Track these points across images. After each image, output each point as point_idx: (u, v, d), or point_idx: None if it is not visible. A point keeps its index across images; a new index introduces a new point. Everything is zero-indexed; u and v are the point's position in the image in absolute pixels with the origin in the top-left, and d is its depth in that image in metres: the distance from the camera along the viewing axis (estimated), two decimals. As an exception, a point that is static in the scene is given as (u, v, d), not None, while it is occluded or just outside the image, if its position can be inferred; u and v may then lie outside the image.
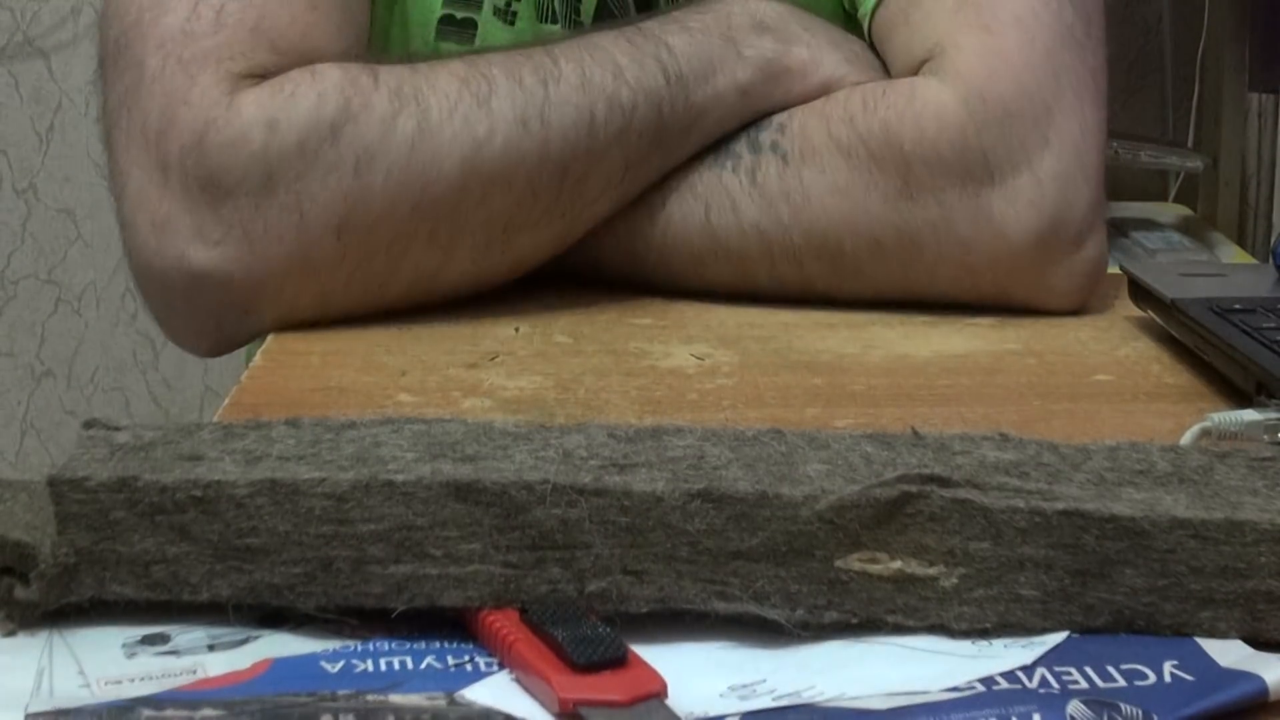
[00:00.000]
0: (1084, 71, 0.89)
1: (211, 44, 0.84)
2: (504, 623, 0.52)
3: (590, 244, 0.91)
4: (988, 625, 0.54)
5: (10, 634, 0.53)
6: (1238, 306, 0.80)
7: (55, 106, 2.10)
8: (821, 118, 0.89)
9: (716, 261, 0.91)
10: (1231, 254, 1.79)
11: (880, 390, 0.79)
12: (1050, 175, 0.87)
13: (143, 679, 0.51)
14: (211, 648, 0.53)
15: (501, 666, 0.52)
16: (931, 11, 0.90)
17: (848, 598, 0.54)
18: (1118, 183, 1.82)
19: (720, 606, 0.53)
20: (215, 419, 0.66)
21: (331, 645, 0.53)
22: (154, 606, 0.54)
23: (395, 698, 0.49)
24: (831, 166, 0.88)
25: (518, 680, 0.51)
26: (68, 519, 0.53)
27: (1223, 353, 0.77)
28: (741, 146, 0.91)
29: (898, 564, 0.54)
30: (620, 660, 0.50)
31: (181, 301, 0.85)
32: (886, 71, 0.93)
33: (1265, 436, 0.67)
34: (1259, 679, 0.50)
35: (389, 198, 0.83)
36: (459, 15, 0.99)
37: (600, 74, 0.87)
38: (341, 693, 0.49)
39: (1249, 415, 0.68)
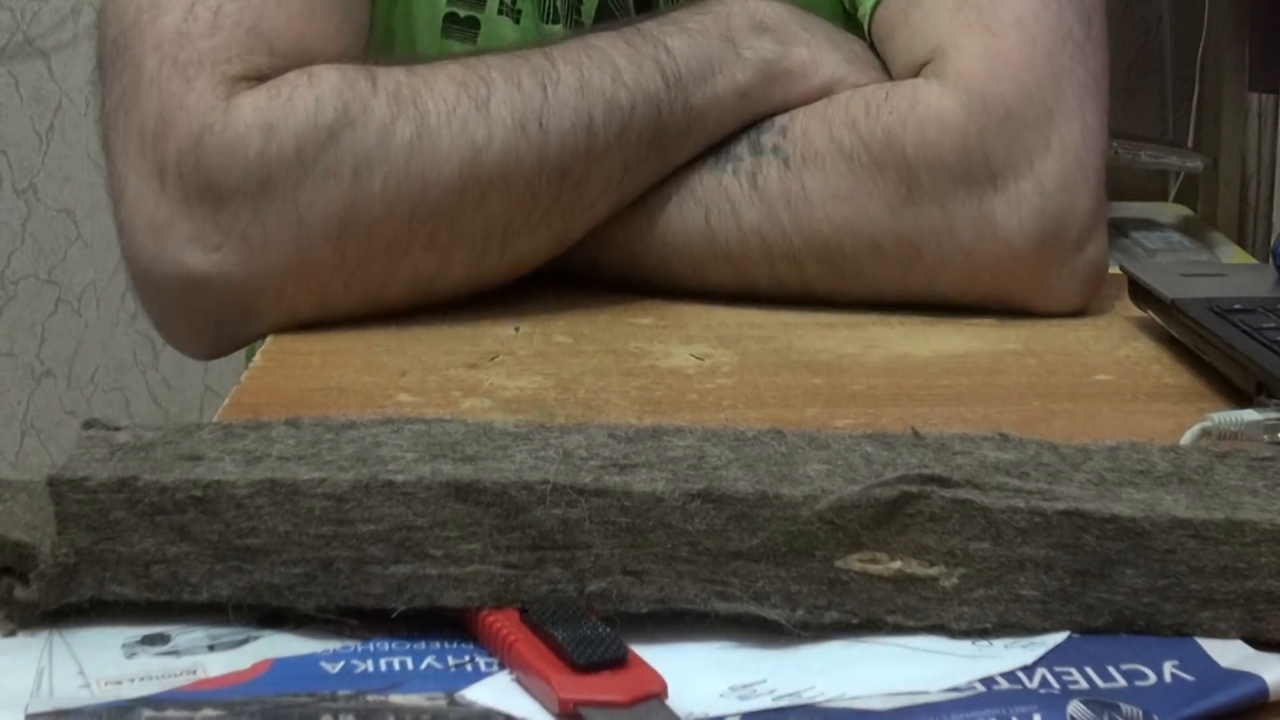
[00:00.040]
0: (1085, 74, 0.89)
1: (208, 46, 0.83)
2: (504, 623, 0.52)
3: (590, 245, 0.91)
4: (988, 625, 0.54)
5: (10, 634, 0.53)
6: (1238, 306, 0.80)
7: (55, 106, 2.10)
8: (823, 121, 0.89)
9: (716, 264, 0.91)
10: (1231, 254, 1.79)
11: (880, 390, 0.79)
12: (1052, 179, 0.87)
13: (143, 679, 0.51)
14: (211, 648, 0.53)
15: (502, 667, 0.52)
16: (931, 12, 0.90)
17: (848, 598, 0.54)
18: (1118, 183, 1.82)
19: (720, 607, 0.53)
20: (215, 419, 0.66)
21: (332, 645, 0.53)
22: (154, 607, 0.54)
23: (395, 698, 0.49)
24: (833, 171, 0.88)
25: (518, 680, 0.51)
26: (67, 519, 0.53)
27: (1223, 353, 0.77)
28: (742, 149, 0.90)
29: (898, 564, 0.54)
30: (620, 660, 0.50)
31: (180, 306, 0.85)
32: (887, 71, 0.93)
33: (1265, 436, 0.67)
34: (1259, 679, 0.50)
35: (387, 202, 0.83)
36: (463, 14, 0.99)
37: (599, 77, 0.87)
38: (342, 693, 0.49)
39: (1249, 415, 0.68)
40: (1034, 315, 0.89)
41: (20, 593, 0.53)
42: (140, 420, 0.59)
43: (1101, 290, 0.91)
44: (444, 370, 0.80)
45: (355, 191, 0.83)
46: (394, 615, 0.53)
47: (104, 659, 0.52)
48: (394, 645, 0.53)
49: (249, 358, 0.87)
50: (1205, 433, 0.67)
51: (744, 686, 0.51)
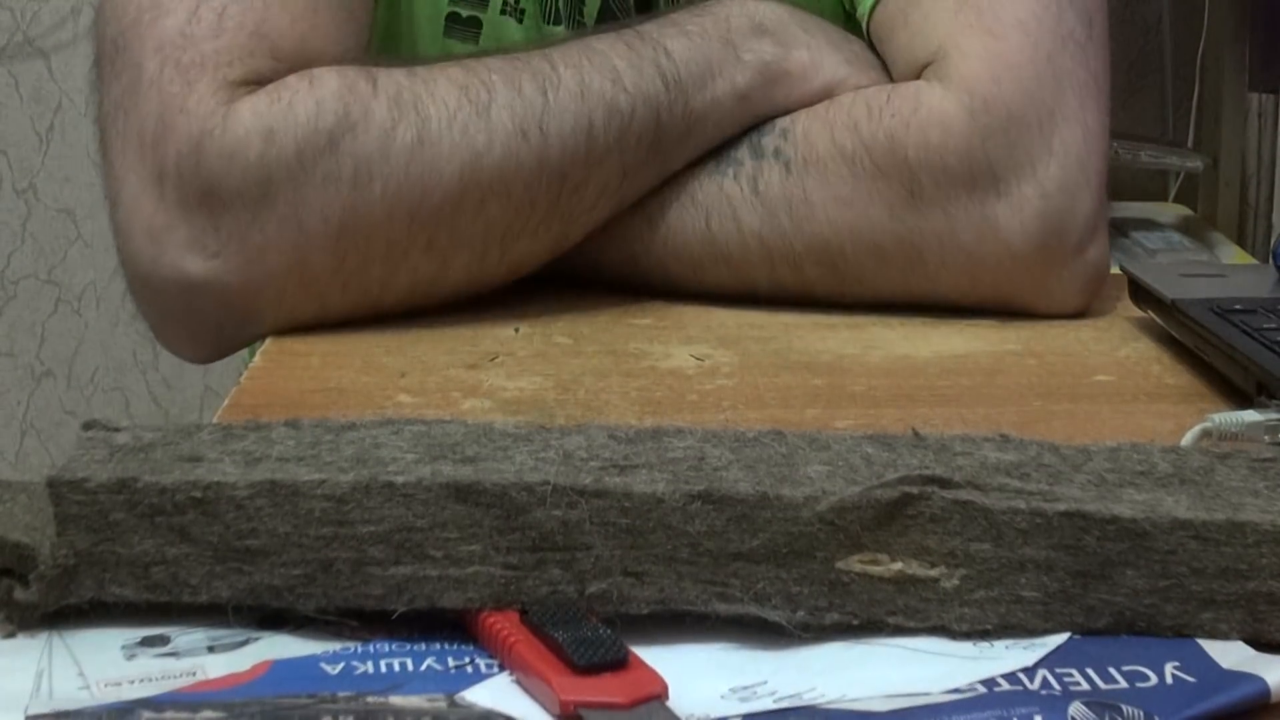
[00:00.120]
0: (1086, 75, 0.89)
1: (210, 48, 0.83)
2: (504, 624, 0.52)
3: (591, 248, 0.90)
4: (989, 626, 0.54)
5: (10, 635, 0.53)
6: (1238, 307, 0.80)
7: (55, 106, 2.10)
8: (825, 124, 0.89)
9: (715, 267, 0.91)
10: (1231, 254, 1.79)
11: (881, 391, 0.78)
12: (1054, 183, 0.87)
13: (142, 681, 0.51)
14: (211, 649, 0.53)
15: (502, 668, 0.52)
16: (931, 13, 0.90)
17: (849, 599, 0.54)
18: (1118, 183, 1.82)
19: (721, 608, 0.53)
20: (215, 420, 0.66)
21: (331, 647, 0.53)
22: (154, 608, 0.54)
23: (395, 699, 0.49)
24: (835, 175, 0.88)
25: (518, 682, 0.51)
26: (67, 520, 0.53)
27: (1223, 353, 0.77)
28: (743, 152, 0.90)
29: (899, 565, 0.54)
30: (621, 662, 0.50)
31: (178, 310, 0.85)
32: (887, 72, 0.93)
33: (1266, 437, 0.67)
34: (1260, 680, 0.50)
35: (387, 207, 0.83)
36: (465, 14, 0.98)
37: (599, 80, 0.87)
38: (341, 694, 0.49)
39: (1250, 416, 0.68)
40: (1035, 317, 0.89)
41: (20, 594, 0.53)
42: (140, 421, 0.59)
43: (1103, 291, 0.91)
44: (444, 371, 0.80)
45: (355, 196, 0.83)
46: (394, 616, 0.53)
47: (104, 660, 0.52)
48: (394, 646, 0.53)
49: (250, 358, 0.87)
50: (1206, 433, 0.67)
51: (745, 688, 0.51)
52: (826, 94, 0.91)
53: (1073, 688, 0.51)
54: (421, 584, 0.53)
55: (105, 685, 0.50)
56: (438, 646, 0.53)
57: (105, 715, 0.47)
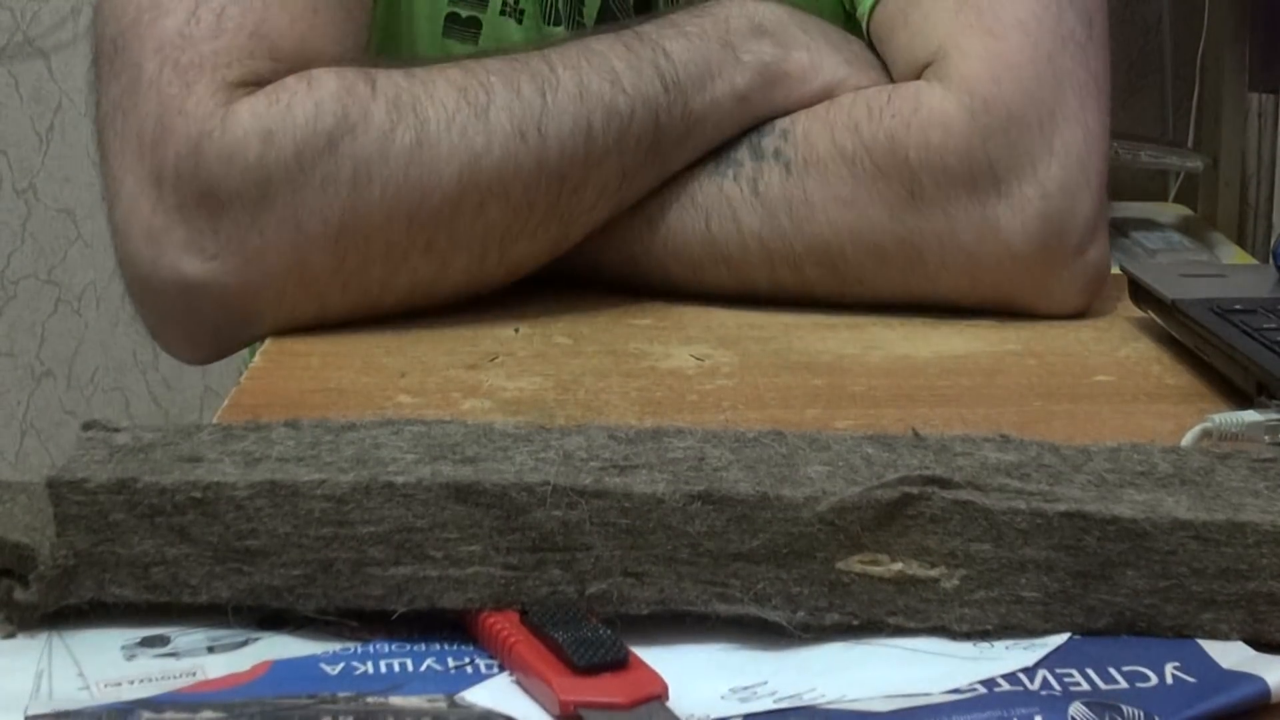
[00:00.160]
0: (1086, 75, 0.89)
1: (209, 49, 0.83)
2: (504, 624, 0.52)
3: (590, 249, 0.90)
4: (989, 627, 0.54)
5: (9, 636, 0.53)
6: (1238, 307, 0.80)
7: (55, 106, 2.10)
8: (825, 125, 0.89)
9: (715, 268, 0.91)
10: (1231, 254, 1.79)
11: (881, 391, 0.78)
12: (1055, 183, 0.87)
13: (142, 681, 0.51)
14: (211, 650, 0.53)
15: (502, 668, 0.52)
16: (931, 13, 0.90)
17: (849, 599, 0.54)
18: (1118, 183, 1.82)
19: (721, 608, 0.53)
20: (215, 420, 0.66)
21: (331, 647, 0.53)
22: (153, 608, 0.54)
23: (395, 700, 0.49)
24: (836, 176, 0.88)
25: (518, 682, 0.51)
26: (67, 521, 0.53)
27: (1223, 353, 0.77)
28: (743, 153, 0.90)
29: (899, 566, 0.54)
30: (621, 662, 0.50)
31: (176, 312, 0.85)
32: (887, 72, 0.93)
33: (1266, 437, 0.67)
34: (1261, 681, 0.50)
35: (386, 209, 0.83)
36: (464, 14, 0.98)
37: (598, 82, 0.87)
38: (341, 695, 0.49)
39: (1250, 416, 0.68)
40: (1035, 317, 0.89)
41: (20, 594, 0.53)
42: (140, 421, 0.60)
43: (1103, 292, 0.91)
44: (444, 371, 0.80)
45: (354, 198, 0.83)
46: (394, 617, 0.53)
47: (103, 661, 0.52)
48: (394, 647, 0.53)
49: (250, 357, 0.87)
50: (1206, 434, 0.67)
51: (745, 688, 0.51)
52: (826, 95, 0.91)
53: (1073, 688, 0.51)
54: (421, 584, 0.53)
55: (105, 685, 0.50)
56: (438, 647, 0.53)
57: (105, 715, 0.47)
